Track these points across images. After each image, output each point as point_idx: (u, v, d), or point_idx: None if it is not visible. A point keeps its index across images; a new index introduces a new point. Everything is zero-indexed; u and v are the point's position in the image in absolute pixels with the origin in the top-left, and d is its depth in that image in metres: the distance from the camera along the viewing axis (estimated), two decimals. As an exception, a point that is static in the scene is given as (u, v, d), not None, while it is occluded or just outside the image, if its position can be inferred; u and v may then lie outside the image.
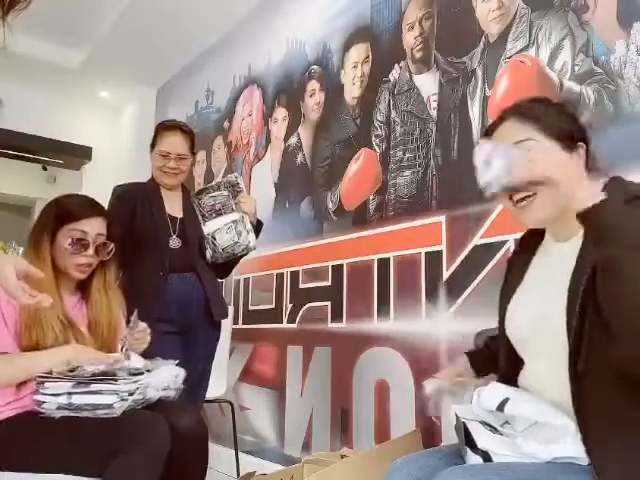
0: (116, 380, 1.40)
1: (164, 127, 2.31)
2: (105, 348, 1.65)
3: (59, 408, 1.40)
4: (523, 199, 1.09)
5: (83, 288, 1.71)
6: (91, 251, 1.64)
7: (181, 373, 1.60)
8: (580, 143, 1.11)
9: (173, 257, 2.19)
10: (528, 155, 1.07)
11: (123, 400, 1.40)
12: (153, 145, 2.30)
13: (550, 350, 1.07)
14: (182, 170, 2.29)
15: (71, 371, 1.42)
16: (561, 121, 1.12)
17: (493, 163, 1.04)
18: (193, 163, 3.89)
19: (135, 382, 1.43)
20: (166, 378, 1.54)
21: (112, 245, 1.70)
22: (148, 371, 1.48)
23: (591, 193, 0.98)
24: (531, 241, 1.23)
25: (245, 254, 2.23)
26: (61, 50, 4.33)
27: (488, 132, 1.19)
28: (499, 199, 1.15)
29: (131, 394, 1.41)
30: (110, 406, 1.38)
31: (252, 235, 2.18)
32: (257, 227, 2.26)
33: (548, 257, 1.18)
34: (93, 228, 1.65)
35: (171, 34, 3.84)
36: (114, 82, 4.74)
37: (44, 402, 1.40)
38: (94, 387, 1.40)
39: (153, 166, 2.30)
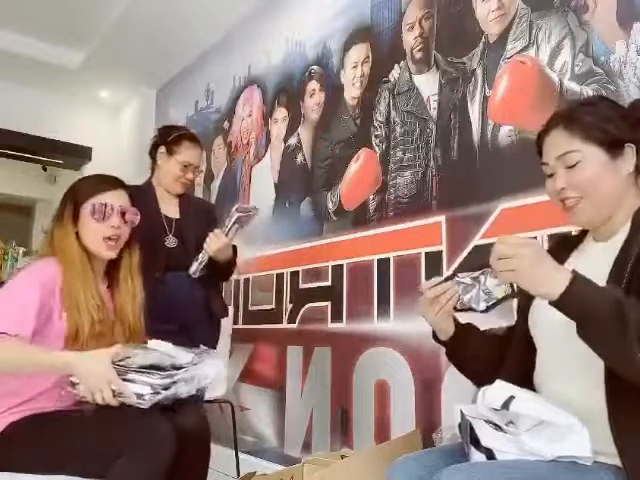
0: (155, 372, 1.38)
1: (187, 137, 2.29)
2: (133, 335, 1.63)
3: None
4: (569, 201, 1.13)
5: (110, 276, 1.69)
6: (116, 220, 1.59)
7: (224, 370, 1.57)
8: (629, 144, 1.12)
9: (171, 256, 2.20)
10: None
11: (155, 393, 1.37)
12: (170, 151, 2.25)
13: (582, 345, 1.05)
14: (193, 181, 2.39)
15: (120, 361, 1.40)
16: (609, 126, 1.12)
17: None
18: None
19: (171, 376, 1.39)
20: (210, 375, 1.48)
21: (137, 211, 1.66)
22: (194, 364, 1.45)
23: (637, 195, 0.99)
24: (569, 241, 1.24)
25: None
26: (61, 50, 4.32)
27: (538, 140, 1.21)
28: (551, 198, 1.19)
29: (165, 388, 1.38)
30: (141, 396, 1.36)
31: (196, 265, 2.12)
32: (233, 253, 2.23)
33: (585, 254, 1.18)
34: (114, 199, 1.61)
35: (171, 34, 3.83)
36: (114, 82, 4.74)
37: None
38: (130, 376, 1.38)
39: (169, 173, 2.26)
